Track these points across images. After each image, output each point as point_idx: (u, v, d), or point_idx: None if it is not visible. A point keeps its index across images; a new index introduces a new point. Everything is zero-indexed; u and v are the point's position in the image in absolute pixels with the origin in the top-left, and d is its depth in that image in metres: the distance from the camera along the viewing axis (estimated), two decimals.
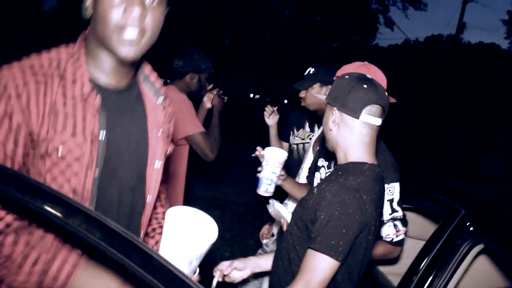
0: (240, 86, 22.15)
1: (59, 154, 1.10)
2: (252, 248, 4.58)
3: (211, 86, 2.93)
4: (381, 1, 23.90)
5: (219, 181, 7.68)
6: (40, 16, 19.29)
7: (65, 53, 1.18)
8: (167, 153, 1.43)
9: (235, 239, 5.14)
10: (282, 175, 2.10)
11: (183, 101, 2.69)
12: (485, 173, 13.51)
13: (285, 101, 23.09)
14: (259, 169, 2.04)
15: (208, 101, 2.89)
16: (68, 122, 1.12)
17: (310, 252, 1.38)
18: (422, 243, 2.14)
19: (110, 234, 0.83)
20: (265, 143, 2.42)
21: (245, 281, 2.40)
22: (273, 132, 3.05)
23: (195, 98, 2.86)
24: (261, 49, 23.17)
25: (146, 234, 1.50)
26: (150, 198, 1.36)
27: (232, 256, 2.07)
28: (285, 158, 2.00)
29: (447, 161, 14.95)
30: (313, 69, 2.53)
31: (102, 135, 1.17)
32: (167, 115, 1.42)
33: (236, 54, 21.74)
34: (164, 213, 1.49)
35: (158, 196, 1.51)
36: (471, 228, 1.86)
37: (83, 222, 0.83)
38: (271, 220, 2.81)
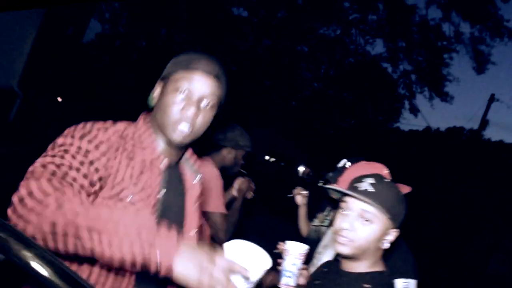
0: (257, 146, 19.61)
1: (128, 200, 1.21)
2: None
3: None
4: (409, 88, 21.85)
5: None
6: (80, 46, 20.07)
7: (132, 127, 1.33)
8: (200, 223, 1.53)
9: None
10: (305, 269, 1.83)
11: (215, 177, 2.57)
12: (489, 274, 13.35)
13: (300, 168, 21.05)
14: (279, 261, 1.85)
15: (235, 190, 2.73)
16: (139, 178, 1.25)
17: None
18: None
19: None
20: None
21: None
22: (301, 212, 2.98)
23: (228, 173, 2.75)
24: (283, 111, 21.33)
25: None
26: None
27: None
28: (307, 251, 1.79)
29: (453, 258, 13.78)
30: (349, 163, 2.22)
31: (161, 193, 1.31)
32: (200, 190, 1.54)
33: (260, 113, 20.00)
34: None
35: None
36: None
37: None
38: None
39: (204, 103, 1.29)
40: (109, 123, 1.29)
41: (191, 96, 1.27)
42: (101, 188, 1.19)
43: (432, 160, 21.99)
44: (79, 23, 16.94)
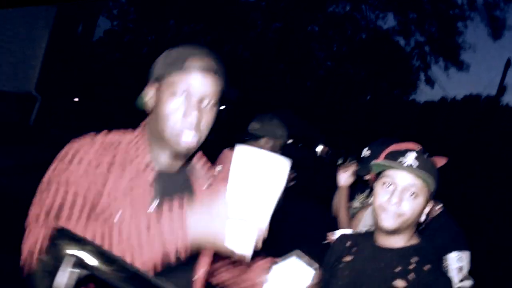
0: None
1: (115, 220, 1.09)
2: None
3: None
4: (423, 59, 21.35)
5: None
6: (91, 45, 20.38)
7: (129, 135, 1.25)
8: None
9: None
10: None
11: None
12: None
13: (318, 148, 20.88)
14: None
15: None
16: (127, 191, 1.16)
17: None
18: None
19: None
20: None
21: None
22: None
23: None
24: (298, 92, 21.13)
25: None
26: (202, 271, 1.35)
27: None
28: None
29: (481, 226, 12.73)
30: (368, 151, 2.19)
31: (154, 205, 1.19)
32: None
33: (276, 95, 19.86)
34: None
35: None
36: None
37: None
38: None
39: (205, 103, 1.18)
40: (103, 133, 1.20)
41: (190, 98, 1.16)
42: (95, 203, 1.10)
43: (449, 129, 21.68)
44: (89, 21, 16.92)
